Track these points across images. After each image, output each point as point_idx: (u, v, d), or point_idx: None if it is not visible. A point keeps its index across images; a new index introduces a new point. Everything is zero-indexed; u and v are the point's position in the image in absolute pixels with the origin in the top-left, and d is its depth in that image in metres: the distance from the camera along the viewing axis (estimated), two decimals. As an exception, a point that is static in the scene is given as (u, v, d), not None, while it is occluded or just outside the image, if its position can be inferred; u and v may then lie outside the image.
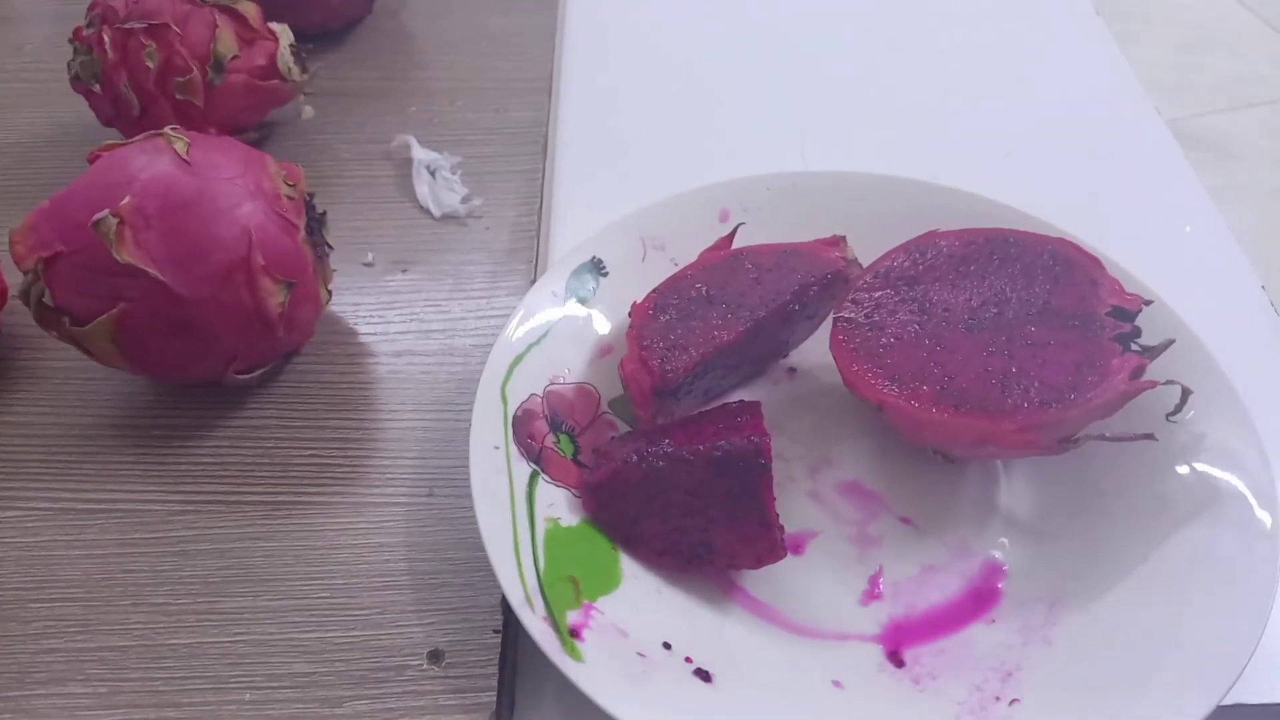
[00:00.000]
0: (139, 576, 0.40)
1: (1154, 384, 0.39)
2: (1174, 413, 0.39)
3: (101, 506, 0.42)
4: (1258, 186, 1.53)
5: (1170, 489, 0.39)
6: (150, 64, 0.52)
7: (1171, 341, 0.40)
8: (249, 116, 0.58)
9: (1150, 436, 0.39)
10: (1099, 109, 0.64)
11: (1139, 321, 0.40)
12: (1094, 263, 0.43)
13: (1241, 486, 0.38)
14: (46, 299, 0.41)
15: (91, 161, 0.43)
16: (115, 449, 0.45)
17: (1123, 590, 0.37)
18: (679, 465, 0.38)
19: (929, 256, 0.44)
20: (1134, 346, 0.40)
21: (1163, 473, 0.40)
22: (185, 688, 0.37)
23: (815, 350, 0.47)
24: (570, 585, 0.37)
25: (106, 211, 0.40)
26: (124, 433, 0.45)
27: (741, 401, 0.41)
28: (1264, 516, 0.37)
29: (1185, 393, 0.39)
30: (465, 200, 0.56)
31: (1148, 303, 0.41)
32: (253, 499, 0.43)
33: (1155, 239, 0.54)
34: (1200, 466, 0.39)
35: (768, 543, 0.38)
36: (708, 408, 0.44)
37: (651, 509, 0.38)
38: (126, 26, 0.52)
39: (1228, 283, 0.52)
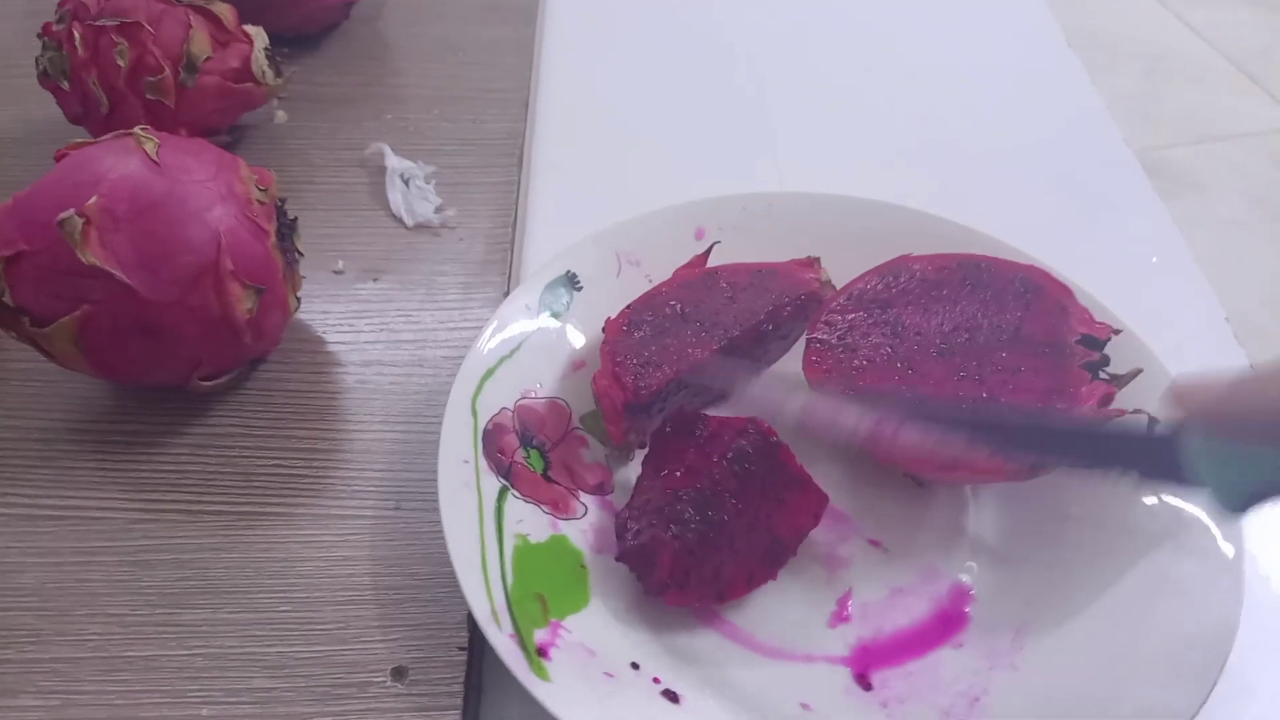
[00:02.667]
0: (95, 586, 0.39)
1: (1122, 412, 0.39)
2: (1141, 441, 0.40)
3: (58, 513, 0.41)
4: (1219, 218, 1.56)
5: (1136, 517, 0.40)
6: (121, 62, 0.51)
7: (1139, 371, 0.40)
8: (221, 119, 0.57)
9: (1117, 464, 0.39)
10: (1069, 138, 0.65)
11: (1107, 350, 0.41)
12: (1064, 291, 0.43)
13: (1205, 517, 0.38)
14: (6, 298, 0.40)
15: (58, 160, 0.42)
16: (74, 454, 0.44)
17: (1088, 617, 0.38)
18: (712, 502, 0.37)
19: (902, 280, 0.44)
20: (1102, 375, 0.40)
21: (1129, 501, 0.40)
22: (141, 701, 0.36)
23: (788, 370, 0.47)
24: (538, 603, 0.36)
25: (72, 211, 0.39)
26: (83, 438, 0.44)
27: (680, 409, 0.41)
28: (1227, 548, 0.37)
29: (1152, 422, 0.40)
30: (439, 210, 0.56)
31: (1116, 332, 0.41)
32: (215, 509, 0.42)
33: (1123, 268, 0.55)
34: (1166, 495, 0.40)
35: (815, 497, 0.39)
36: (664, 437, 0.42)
37: (724, 553, 0.38)
38: (98, 23, 0.51)
39: (1193, 314, 0.53)
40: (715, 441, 0.39)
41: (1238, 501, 0.29)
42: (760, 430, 0.39)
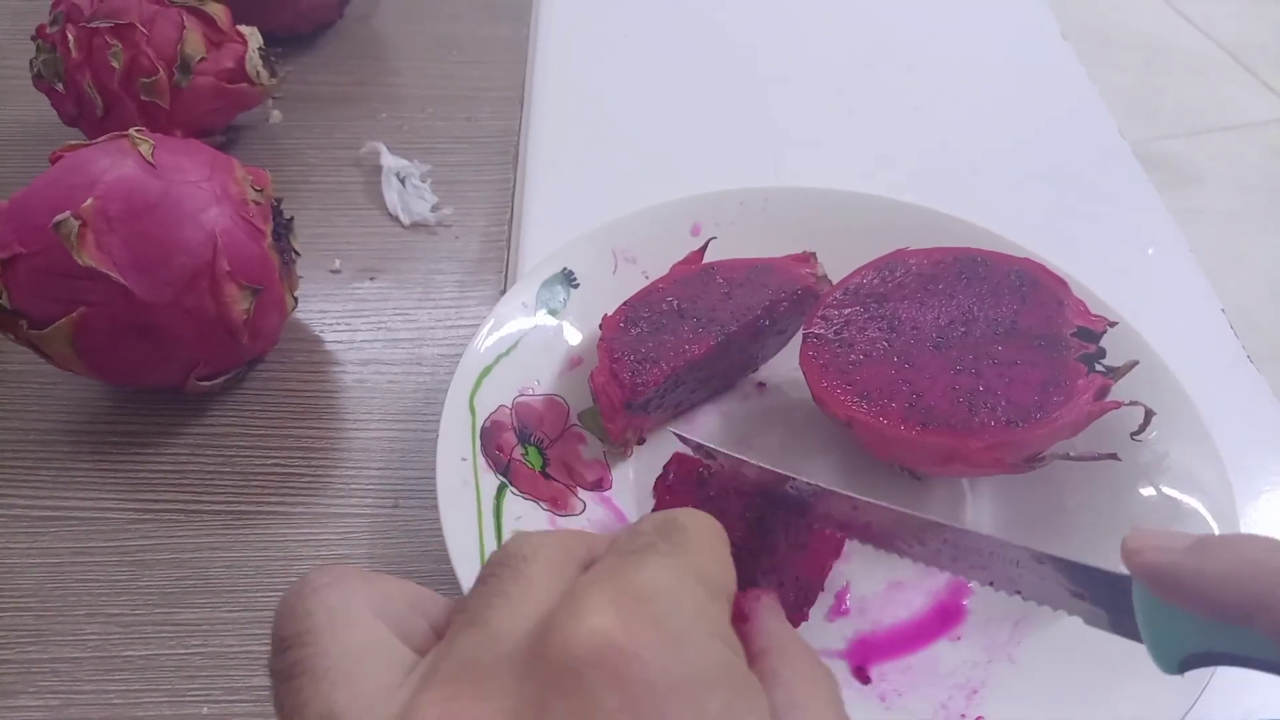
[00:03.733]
0: (94, 586, 0.39)
1: (1118, 404, 0.39)
2: (1137, 433, 0.40)
3: (57, 514, 0.42)
4: (1216, 210, 1.56)
5: (1133, 508, 0.40)
6: (115, 64, 0.51)
7: (1135, 363, 0.40)
8: (216, 119, 0.57)
9: (1114, 456, 0.39)
10: (1065, 130, 0.65)
11: (1103, 342, 0.41)
12: (1060, 283, 0.43)
13: (1202, 508, 0.38)
14: (4, 301, 0.40)
15: (53, 162, 0.42)
16: (72, 455, 0.44)
17: (1086, 608, 0.38)
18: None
19: (898, 274, 0.44)
20: (1099, 367, 0.40)
21: (1126, 492, 0.40)
22: (141, 701, 0.36)
23: (785, 365, 0.47)
24: (537, 599, 0.36)
25: (68, 213, 0.39)
26: (81, 439, 0.44)
27: (682, 458, 0.38)
28: (1224, 537, 0.37)
29: (1148, 414, 0.40)
30: (435, 208, 0.56)
31: (1112, 324, 0.41)
32: (213, 508, 0.42)
33: (1119, 260, 0.55)
34: (1163, 486, 0.40)
35: (832, 544, 0.38)
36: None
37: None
38: (91, 25, 0.51)
39: (1189, 305, 0.53)
40: (730, 499, 0.37)
41: (1173, 664, 0.28)
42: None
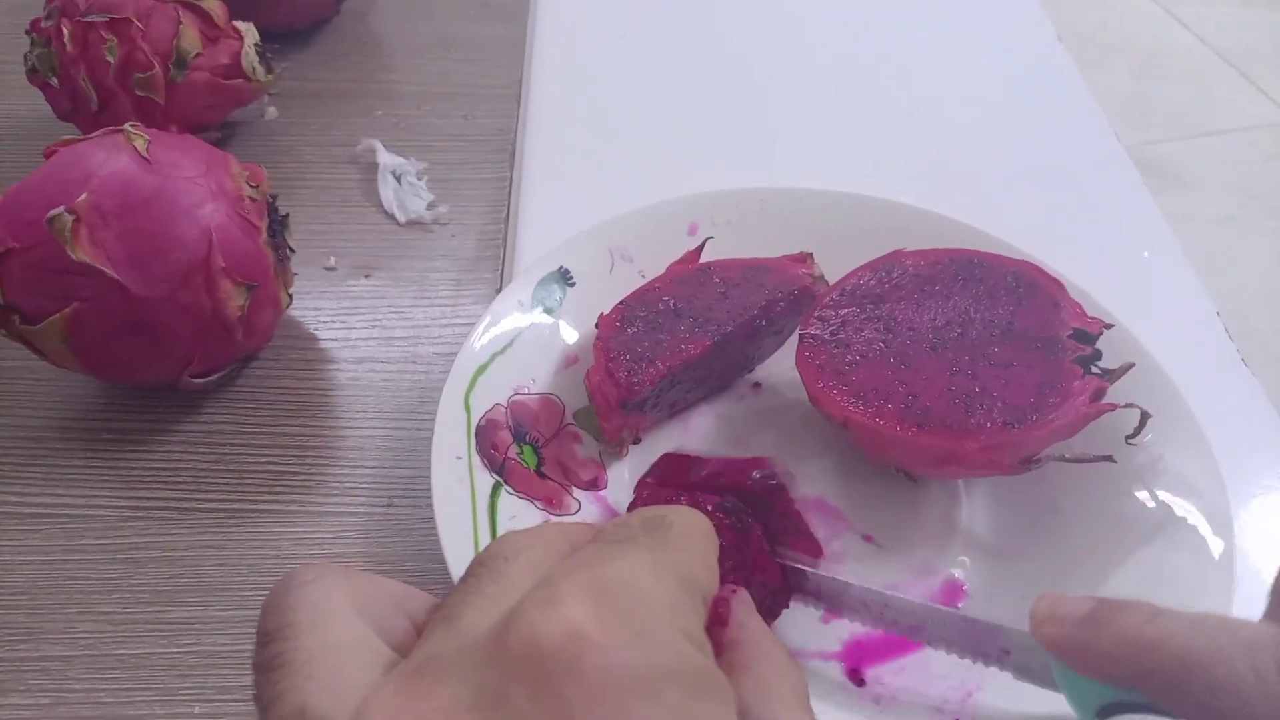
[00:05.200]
0: (86, 584, 0.39)
1: (1114, 406, 0.39)
2: (1133, 435, 0.40)
3: (49, 511, 0.41)
4: (1210, 214, 1.57)
5: (1128, 511, 0.40)
6: (110, 59, 0.51)
7: (1131, 365, 0.40)
8: (211, 115, 0.57)
9: (1109, 458, 0.39)
10: (1061, 133, 0.65)
11: (1099, 345, 0.41)
12: (1056, 285, 0.43)
13: (1197, 512, 0.38)
14: (-4, 296, 0.40)
15: (47, 156, 0.42)
16: (64, 452, 0.43)
17: (1080, 611, 0.38)
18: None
19: (895, 275, 0.44)
20: (1094, 369, 0.40)
21: (1121, 495, 0.40)
22: (132, 700, 0.36)
23: (781, 366, 0.47)
24: (531, 599, 0.36)
25: (62, 208, 0.39)
26: (74, 435, 0.44)
27: (667, 456, 0.39)
28: (1217, 543, 0.37)
29: (1144, 416, 0.40)
30: (431, 206, 0.56)
31: (1108, 326, 0.41)
32: (206, 506, 0.42)
33: (1114, 263, 0.55)
34: (1157, 489, 0.40)
35: (809, 546, 0.38)
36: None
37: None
38: (87, 19, 0.51)
39: (1184, 308, 0.53)
40: (706, 496, 0.37)
41: (1090, 715, 0.30)
42: (765, 472, 0.37)
